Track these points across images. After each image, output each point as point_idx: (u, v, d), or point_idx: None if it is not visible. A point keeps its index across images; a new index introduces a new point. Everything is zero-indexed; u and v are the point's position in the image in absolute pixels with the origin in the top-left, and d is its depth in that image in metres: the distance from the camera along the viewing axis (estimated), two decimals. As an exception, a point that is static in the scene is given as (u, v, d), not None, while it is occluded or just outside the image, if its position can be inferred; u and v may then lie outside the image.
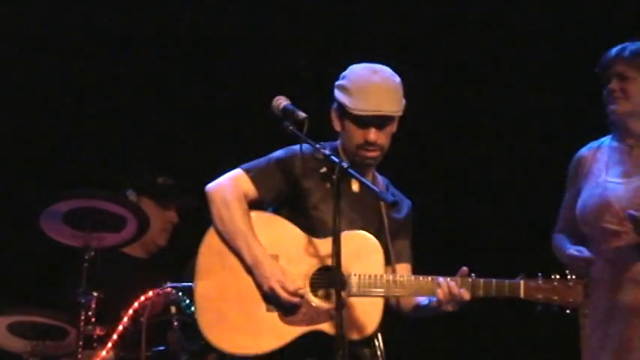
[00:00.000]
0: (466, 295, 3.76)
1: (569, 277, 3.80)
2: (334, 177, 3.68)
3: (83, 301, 4.67)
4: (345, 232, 3.79)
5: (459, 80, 6.11)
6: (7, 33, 6.00)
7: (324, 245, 3.86)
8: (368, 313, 3.82)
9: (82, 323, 4.65)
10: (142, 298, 4.72)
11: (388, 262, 3.95)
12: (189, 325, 4.66)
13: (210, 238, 3.98)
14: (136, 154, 6.09)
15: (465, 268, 3.80)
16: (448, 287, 3.76)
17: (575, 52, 5.79)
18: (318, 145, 3.85)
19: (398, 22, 6.11)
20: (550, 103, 5.96)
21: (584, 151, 4.35)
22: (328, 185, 3.83)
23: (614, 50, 4.25)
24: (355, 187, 4.03)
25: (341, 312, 3.57)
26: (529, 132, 6.02)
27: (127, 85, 6.13)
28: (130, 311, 4.73)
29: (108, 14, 6.11)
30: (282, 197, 4.02)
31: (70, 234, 4.83)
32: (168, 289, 4.75)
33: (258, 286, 3.88)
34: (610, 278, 4.12)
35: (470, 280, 3.78)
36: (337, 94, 3.99)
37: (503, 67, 6.05)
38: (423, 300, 3.92)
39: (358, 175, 3.81)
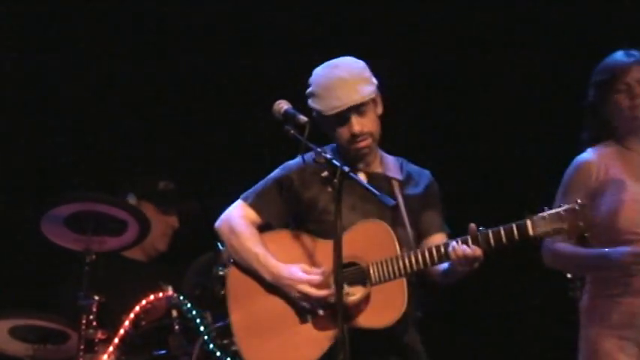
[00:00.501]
0: (477, 251, 3.70)
1: (577, 201, 3.72)
2: (335, 180, 3.68)
3: (84, 304, 4.67)
4: (357, 224, 3.85)
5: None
6: (7, 36, 6.01)
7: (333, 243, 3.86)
8: (393, 297, 3.79)
9: (83, 327, 4.65)
10: (143, 301, 4.73)
11: (412, 242, 3.94)
12: (190, 329, 4.67)
13: (233, 271, 4.03)
14: (137, 158, 6.09)
15: (473, 225, 3.75)
16: (460, 248, 3.72)
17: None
18: (319, 149, 3.84)
19: (397, 21, 6.11)
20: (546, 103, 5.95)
21: (588, 157, 4.29)
22: (329, 188, 3.83)
23: (623, 56, 4.23)
24: (362, 177, 4.00)
25: (341, 314, 3.56)
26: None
27: (129, 88, 6.13)
28: (132, 315, 4.74)
29: (109, 16, 6.11)
30: (288, 215, 4.04)
31: (71, 238, 4.83)
32: (170, 293, 4.76)
33: (287, 299, 3.89)
34: (631, 285, 4.11)
35: (478, 234, 3.73)
36: (310, 102, 4.00)
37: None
38: (444, 267, 3.87)
39: (359, 179, 3.81)
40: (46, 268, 5.64)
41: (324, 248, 3.87)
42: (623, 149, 4.28)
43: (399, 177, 4.05)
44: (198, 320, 4.66)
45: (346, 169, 3.70)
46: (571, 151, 4.41)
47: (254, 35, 6.21)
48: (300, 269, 3.88)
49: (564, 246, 4.25)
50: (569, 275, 4.81)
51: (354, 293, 3.83)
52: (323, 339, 3.83)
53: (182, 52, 6.22)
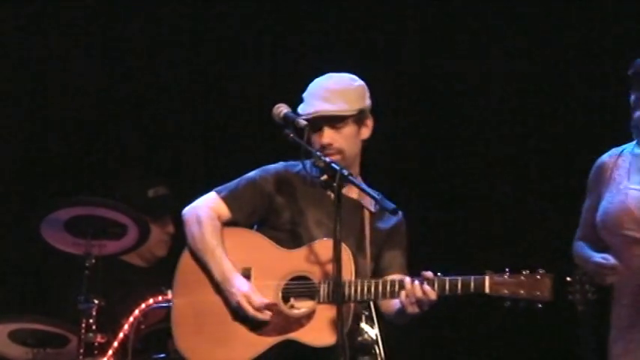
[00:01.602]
0: (431, 293, 3.70)
1: (538, 271, 3.71)
2: (335, 184, 3.68)
3: (84, 308, 4.67)
4: (319, 240, 3.85)
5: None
6: (8, 40, 6.01)
7: (297, 255, 3.88)
8: (334, 319, 3.72)
9: (82, 331, 4.65)
10: (143, 305, 4.73)
11: (368, 274, 3.94)
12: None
13: (186, 257, 4.03)
14: (134, 161, 6.09)
15: (428, 272, 3.74)
16: (412, 287, 3.71)
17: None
18: (318, 153, 3.85)
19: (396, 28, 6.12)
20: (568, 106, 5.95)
21: (605, 157, 4.31)
22: (304, 196, 3.91)
23: None
24: (333, 196, 3.97)
25: (342, 317, 3.56)
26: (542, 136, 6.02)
27: (128, 88, 6.14)
28: (131, 319, 4.74)
29: (106, 21, 6.12)
30: (257, 216, 4.03)
31: (70, 241, 4.83)
32: (169, 297, 4.75)
33: (226, 298, 3.90)
34: (632, 286, 4.10)
35: (434, 278, 3.73)
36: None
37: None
38: (397, 305, 3.87)
39: (357, 182, 3.81)
40: (45, 272, 5.64)
41: (282, 257, 3.91)
42: (638, 149, 4.28)
43: (372, 209, 4.02)
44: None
45: (345, 172, 3.70)
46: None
47: (254, 37, 6.22)
48: (248, 286, 3.87)
49: (581, 245, 4.31)
50: (568, 278, 4.82)
51: (300, 307, 3.85)
52: (258, 343, 3.84)
53: (182, 54, 6.23)
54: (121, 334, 4.72)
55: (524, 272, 3.72)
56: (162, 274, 5.24)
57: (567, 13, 5.89)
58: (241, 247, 3.97)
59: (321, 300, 3.81)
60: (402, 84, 6.06)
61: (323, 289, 3.81)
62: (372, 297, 3.81)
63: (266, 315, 3.83)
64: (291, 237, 3.93)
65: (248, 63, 6.15)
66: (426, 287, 3.70)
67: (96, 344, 4.71)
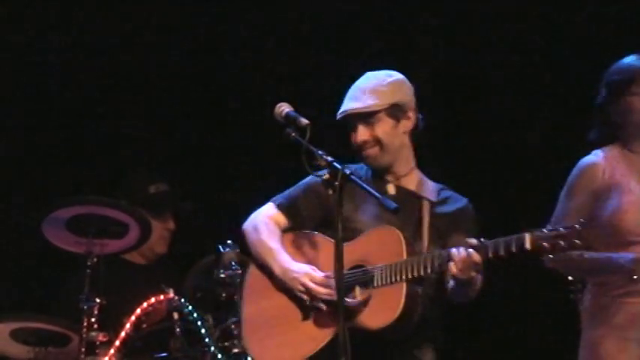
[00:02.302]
0: (474, 255, 3.71)
1: (574, 227, 3.69)
2: (337, 183, 3.68)
3: (86, 307, 4.67)
4: (372, 229, 3.92)
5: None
6: (8, 40, 6.01)
7: (353, 246, 3.91)
8: (390, 299, 3.80)
9: (84, 329, 4.65)
10: (145, 304, 4.73)
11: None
12: (192, 332, 4.67)
13: (252, 268, 4.13)
14: (135, 158, 6.09)
15: (470, 239, 3.78)
16: (457, 251, 3.73)
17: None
18: (320, 152, 3.85)
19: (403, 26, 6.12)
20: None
21: (593, 159, 4.29)
22: (359, 193, 3.91)
23: (635, 60, 4.23)
24: (391, 189, 4.08)
25: (343, 319, 3.56)
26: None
27: (127, 88, 6.14)
28: (133, 318, 4.74)
29: (106, 22, 6.12)
30: (316, 219, 4.10)
31: (72, 240, 4.83)
32: (171, 296, 4.76)
33: (293, 295, 3.95)
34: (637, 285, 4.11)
35: (477, 242, 3.74)
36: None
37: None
38: (452, 283, 3.89)
39: (359, 182, 3.81)
40: (47, 271, 5.64)
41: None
42: (629, 152, 4.28)
43: (432, 198, 4.07)
44: (199, 323, 4.66)
45: (347, 171, 3.71)
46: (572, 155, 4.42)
47: (253, 37, 6.21)
48: (308, 267, 3.95)
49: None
50: (570, 277, 4.82)
51: (356, 294, 3.89)
52: (320, 335, 3.88)
53: (183, 52, 6.23)
54: (123, 333, 4.71)
55: (562, 226, 3.72)
56: (162, 272, 5.27)
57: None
58: (300, 249, 4.06)
59: (376, 285, 3.85)
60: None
61: (377, 274, 3.85)
62: (422, 272, 3.80)
63: (330, 291, 3.85)
64: (350, 234, 3.94)
65: (252, 60, 6.15)
66: (469, 249, 3.72)
67: (97, 343, 4.71)
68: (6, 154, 5.95)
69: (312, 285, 3.90)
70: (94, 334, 4.69)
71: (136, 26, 6.13)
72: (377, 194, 3.75)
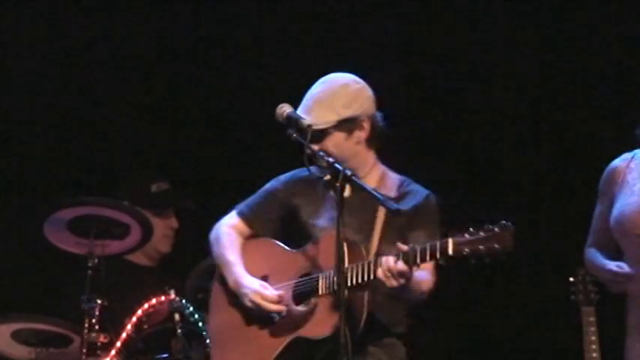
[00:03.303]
0: (400, 265, 3.67)
1: (499, 223, 3.64)
2: (338, 184, 3.68)
3: (87, 308, 4.67)
4: (321, 236, 3.90)
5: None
6: (11, 42, 6.01)
7: (302, 254, 3.93)
8: (333, 307, 3.77)
9: (85, 330, 4.65)
10: (146, 305, 4.73)
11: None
12: (193, 333, 4.67)
13: (215, 280, 4.14)
14: (136, 158, 6.09)
15: (399, 244, 3.74)
16: (385, 261, 3.70)
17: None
18: (321, 153, 3.85)
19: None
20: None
21: (617, 162, 4.29)
22: (317, 197, 3.94)
23: None
24: (346, 192, 3.92)
25: (343, 319, 3.56)
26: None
27: (127, 88, 6.14)
28: (134, 319, 4.74)
29: (107, 21, 6.12)
30: (277, 225, 4.09)
31: (73, 241, 4.83)
32: (172, 297, 4.76)
33: (249, 309, 3.95)
34: None
35: (405, 250, 3.70)
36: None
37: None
38: None
39: (360, 182, 3.80)
40: (48, 272, 5.64)
41: (291, 259, 3.96)
42: None
43: (392, 194, 3.99)
44: (200, 324, 4.67)
45: (348, 172, 3.70)
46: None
47: (254, 37, 6.21)
48: (259, 283, 3.94)
49: (592, 252, 4.29)
50: (571, 278, 4.82)
51: (304, 303, 3.89)
52: (273, 345, 3.90)
53: (183, 53, 6.23)
54: (124, 334, 4.71)
55: (485, 227, 3.66)
56: (165, 274, 5.27)
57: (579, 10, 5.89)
58: (258, 257, 4.06)
59: (321, 293, 3.83)
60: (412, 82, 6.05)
61: (321, 282, 3.84)
62: (359, 280, 3.76)
63: (282, 307, 3.88)
64: (308, 238, 3.96)
65: (253, 61, 6.15)
66: (398, 262, 3.68)
67: (99, 344, 4.71)
68: (7, 154, 5.95)
69: (261, 302, 3.89)
70: (95, 335, 4.69)
71: (136, 25, 6.13)
72: (379, 195, 3.73)
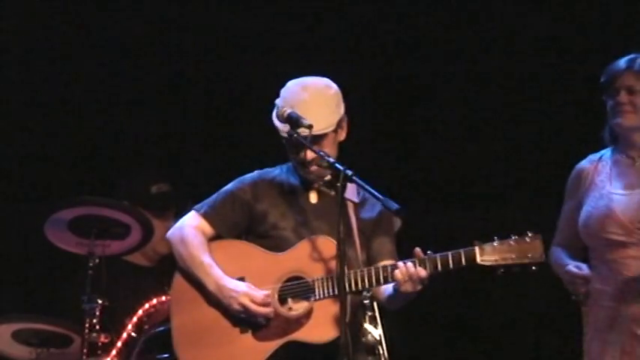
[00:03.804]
0: (422, 271, 3.70)
1: (527, 234, 3.69)
2: (338, 184, 3.67)
3: (87, 308, 4.67)
4: (306, 239, 3.87)
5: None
6: (11, 43, 6.02)
7: (287, 257, 3.91)
8: (335, 313, 3.75)
9: (86, 331, 4.65)
10: (147, 305, 4.73)
11: (360, 264, 3.95)
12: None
13: (178, 278, 4.05)
14: (136, 159, 6.09)
15: (418, 249, 3.76)
16: (405, 267, 3.72)
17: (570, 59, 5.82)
18: (322, 153, 3.84)
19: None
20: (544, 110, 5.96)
21: (584, 163, 4.28)
22: (283, 200, 3.93)
23: (622, 61, 4.16)
24: (313, 198, 4.02)
25: (344, 318, 3.56)
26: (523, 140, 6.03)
27: (127, 89, 6.15)
28: (135, 319, 4.74)
29: (103, 22, 6.13)
30: (241, 227, 4.05)
31: (74, 241, 4.84)
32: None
33: (228, 310, 3.90)
34: (614, 288, 4.09)
35: (426, 258, 3.73)
36: (273, 114, 3.99)
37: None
38: (390, 291, 3.88)
39: (361, 183, 3.79)
40: (49, 272, 5.64)
41: (272, 262, 3.92)
42: (617, 154, 4.25)
43: (355, 199, 4.03)
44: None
45: (349, 172, 3.70)
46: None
47: (254, 36, 6.22)
48: (245, 285, 3.90)
49: (557, 252, 4.28)
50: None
51: (298, 308, 3.86)
52: (262, 349, 3.86)
53: (184, 52, 6.23)
54: (125, 334, 4.72)
55: (512, 237, 3.71)
56: (164, 274, 5.26)
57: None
58: (231, 258, 3.99)
59: (317, 297, 3.83)
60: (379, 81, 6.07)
61: (317, 286, 3.83)
62: (367, 285, 3.81)
63: (270, 310, 3.85)
64: (277, 242, 3.94)
65: (252, 61, 6.16)
66: (418, 267, 3.71)
67: (99, 344, 4.72)
68: (8, 154, 5.95)
69: (251, 305, 3.85)
70: (95, 335, 4.69)
71: (136, 27, 6.14)
72: (380, 196, 3.72)
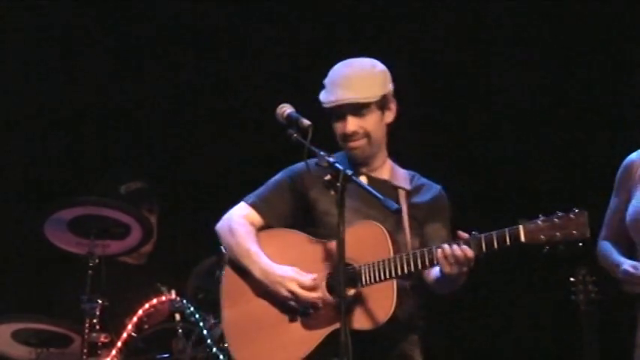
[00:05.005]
0: (468, 251, 3.65)
1: (572, 210, 3.60)
2: (338, 184, 3.67)
3: (87, 308, 4.68)
4: (354, 225, 3.79)
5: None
6: (11, 46, 6.03)
7: (335, 245, 3.75)
8: (381, 298, 3.74)
9: (86, 330, 4.65)
10: (147, 305, 4.74)
11: (410, 249, 3.89)
12: (194, 333, 4.67)
13: (228, 271, 4.01)
14: (126, 160, 6.11)
15: (460, 231, 3.71)
16: (449, 247, 3.68)
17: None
18: (322, 153, 3.83)
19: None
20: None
21: (633, 157, 4.22)
22: (332, 192, 3.83)
23: None
24: (364, 181, 3.95)
25: (344, 319, 3.55)
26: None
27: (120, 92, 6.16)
28: (135, 319, 4.74)
29: (103, 21, 6.14)
30: (292, 216, 4.02)
31: (74, 241, 4.84)
32: (172, 297, 4.77)
33: (276, 298, 3.87)
34: None
35: (470, 239, 3.68)
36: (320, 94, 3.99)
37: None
38: (437, 273, 3.83)
39: (362, 182, 3.80)
40: (49, 272, 5.65)
41: (321, 249, 3.88)
42: None
43: (407, 187, 4.02)
44: (201, 324, 4.67)
45: (349, 172, 3.69)
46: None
47: (254, 34, 6.22)
48: (292, 270, 3.86)
49: (607, 246, 4.23)
50: (571, 278, 4.82)
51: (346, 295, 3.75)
52: (312, 337, 3.81)
53: (183, 53, 6.24)
54: (125, 334, 4.72)
55: (558, 214, 3.63)
56: (155, 270, 5.26)
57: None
58: (279, 247, 3.96)
59: (364, 283, 3.78)
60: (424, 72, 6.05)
61: (364, 273, 3.78)
62: (412, 269, 3.75)
63: (318, 295, 3.80)
64: (328, 230, 3.87)
65: (253, 60, 6.16)
66: (463, 246, 3.66)
67: (99, 344, 4.72)
68: (9, 154, 5.96)
69: (299, 290, 3.81)
70: (95, 335, 4.69)
71: (125, 31, 6.15)
72: (378, 195, 3.72)
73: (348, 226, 3.75)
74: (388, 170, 4.04)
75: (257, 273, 3.89)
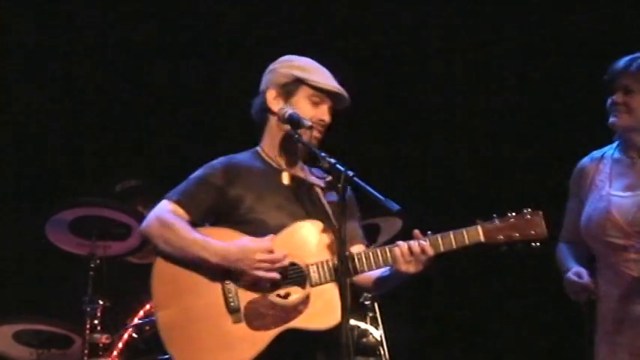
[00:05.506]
0: (428, 249, 3.63)
1: (525, 210, 3.66)
2: (339, 185, 3.65)
3: (89, 309, 4.68)
4: (294, 225, 3.76)
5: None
6: (11, 46, 6.03)
7: (275, 245, 3.75)
8: (335, 298, 3.59)
9: (87, 331, 4.66)
10: (147, 306, 4.74)
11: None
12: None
13: (159, 269, 3.81)
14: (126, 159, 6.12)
15: (416, 231, 3.68)
16: (407, 246, 3.65)
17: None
18: (322, 154, 3.83)
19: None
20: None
21: (586, 161, 4.26)
22: (257, 183, 3.81)
23: (622, 61, 4.13)
24: (285, 178, 3.92)
25: (345, 319, 3.54)
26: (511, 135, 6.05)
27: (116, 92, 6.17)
28: (136, 319, 4.75)
29: (99, 21, 6.14)
30: (214, 213, 3.89)
31: (75, 242, 4.85)
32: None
33: (219, 297, 3.74)
34: (619, 290, 4.08)
35: (426, 237, 3.66)
36: (289, 71, 3.92)
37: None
38: (384, 271, 3.79)
39: (361, 183, 3.77)
40: (50, 273, 5.65)
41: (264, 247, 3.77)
42: (618, 154, 4.23)
43: (321, 184, 3.96)
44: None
45: (350, 173, 3.68)
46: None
47: (253, 33, 6.23)
48: (247, 239, 3.73)
49: (563, 251, 4.26)
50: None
51: (293, 294, 3.74)
52: (259, 338, 3.71)
53: (183, 53, 6.25)
54: (126, 335, 4.72)
55: (511, 215, 3.66)
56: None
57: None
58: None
59: (314, 283, 3.74)
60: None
61: (313, 272, 3.74)
62: (366, 269, 3.72)
63: (284, 254, 3.70)
64: (256, 226, 3.80)
65: (251, 60, 6.16)
66: (423, 243, 3.63)
67: (100, 345, 4.72)
68: (9, 155, 5.96)
69: (269, 256, 3.68)
70: (96, 335, 4.70)
71: (121, 31, 6.15)
72: (379, 196, 3.69)
73: (279, 224, 3.76)
74: (301, 167, 3.99)
75: (213, 258, 3.71)
